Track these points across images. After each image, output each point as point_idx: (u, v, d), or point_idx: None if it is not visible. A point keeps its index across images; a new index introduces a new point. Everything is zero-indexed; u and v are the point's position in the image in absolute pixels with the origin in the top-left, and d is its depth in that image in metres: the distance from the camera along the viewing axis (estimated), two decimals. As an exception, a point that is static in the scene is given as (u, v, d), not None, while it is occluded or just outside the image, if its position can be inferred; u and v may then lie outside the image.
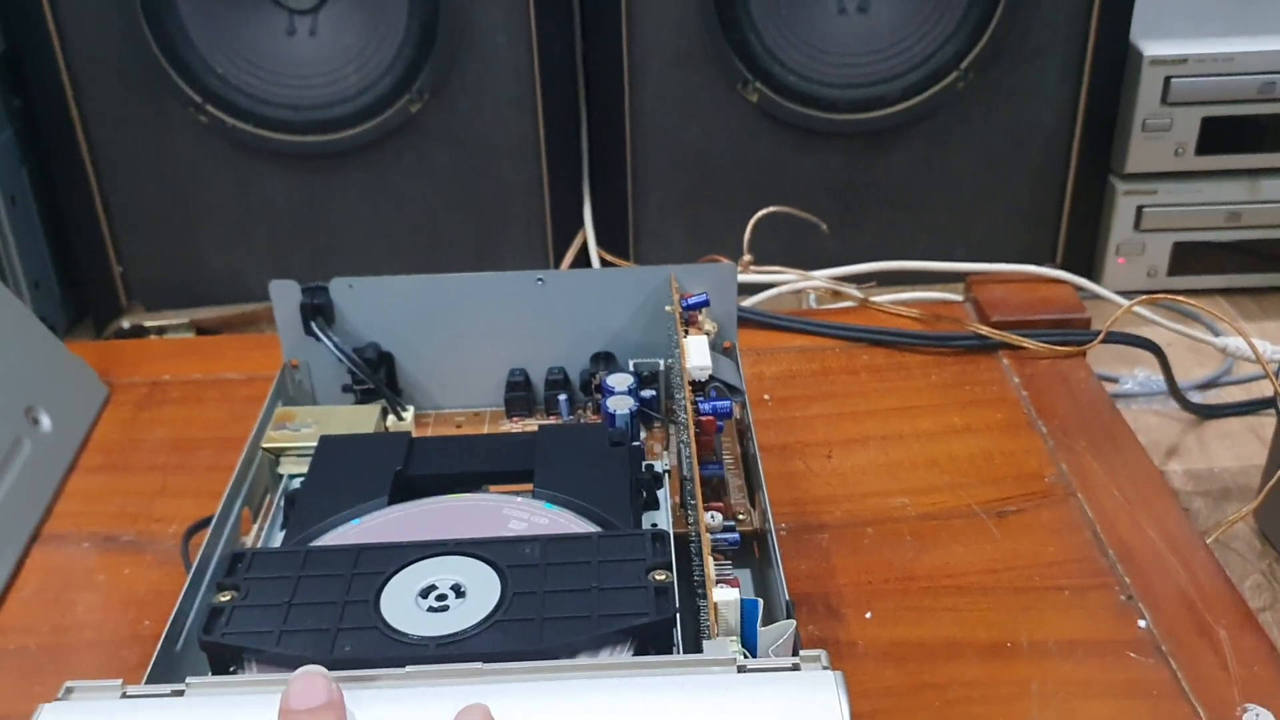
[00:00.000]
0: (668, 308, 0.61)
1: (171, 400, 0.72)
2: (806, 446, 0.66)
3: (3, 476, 0.61)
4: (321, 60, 0.89)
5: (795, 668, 0.39)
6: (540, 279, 0.63)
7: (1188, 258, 0.94)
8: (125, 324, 0.96)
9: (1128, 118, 0.89)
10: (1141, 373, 0.82)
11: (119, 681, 0.40)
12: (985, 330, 0.73)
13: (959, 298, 0.80)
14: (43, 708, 0.39)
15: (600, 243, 0.93)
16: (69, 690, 0.40)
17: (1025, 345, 0.73)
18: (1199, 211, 0.92)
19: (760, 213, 0.79)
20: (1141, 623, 0.54)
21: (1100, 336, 0.73)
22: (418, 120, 0.90)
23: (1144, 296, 0.75)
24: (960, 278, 0.81)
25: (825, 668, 0.39)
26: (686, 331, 0.58)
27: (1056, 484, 0.63)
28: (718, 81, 0.89)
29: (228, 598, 0.44)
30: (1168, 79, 0.87)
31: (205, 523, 0.57)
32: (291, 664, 0.41)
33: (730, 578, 0.46)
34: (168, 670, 0.45)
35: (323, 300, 0.62)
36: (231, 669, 0.43)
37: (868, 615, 0.55)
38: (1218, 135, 0.89)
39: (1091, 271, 0.94)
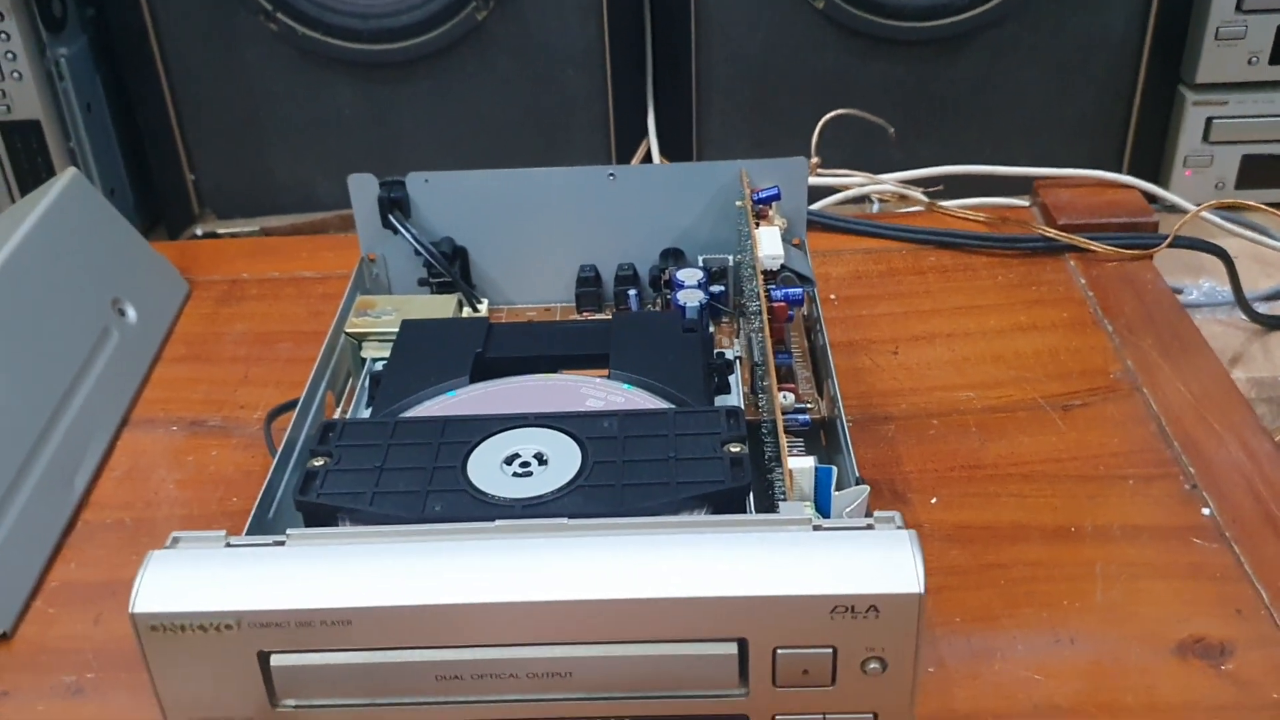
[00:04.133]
0: (738, 202, 0.62)
1: (250, 297, 0.74)
2: (873, 343, 0.67)
3: (94, 363, 0.64)
4: (390, -33, 0.89)
5: (869, 528, 0.40)
6: (612, 174, 0.63)
7: (1257, 170, 0.93)
8: (198, 231, 0.98)
9: (1200, 25, 0.88)
10: (1207, 283, 0.81)
11: (223, 532, 0.41)
12: (1052, 233, 0.73)
13: (1025, 203, 0.80)
14: (152, 554, 0.41)
15: (663, 152, 0.94)
16: (175, 540, 0.41)
17: (1092, 248, 0.73)
18: (1271, 123, 0.91)
19: (829, 114, 0.79)
20: (1205, 510, 0.55)
21: (1168, 240, 0.72)
22: (484, 28, 0.91)
23: (1213, 201, 0.74)
24: (1025, 185, 0.81)
25: (900, 527, 0.40)
26: (758, 224, 0.59)
27: (1122, 379, 0.63)
28: (784, -12, 0.89)
29: (321, 463, 0.46)
30: (1243, -16, 0.86)
31: (287, 406, 0.59)
32: (384, 522, 0.43)
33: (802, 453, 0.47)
34: (263, 531, 0.47)
35: (399, 194, 0.63)
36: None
37: (933, 500, 0.56)
38: (1293, 43, 0.88)
39: (1158, 184, 0.93)
